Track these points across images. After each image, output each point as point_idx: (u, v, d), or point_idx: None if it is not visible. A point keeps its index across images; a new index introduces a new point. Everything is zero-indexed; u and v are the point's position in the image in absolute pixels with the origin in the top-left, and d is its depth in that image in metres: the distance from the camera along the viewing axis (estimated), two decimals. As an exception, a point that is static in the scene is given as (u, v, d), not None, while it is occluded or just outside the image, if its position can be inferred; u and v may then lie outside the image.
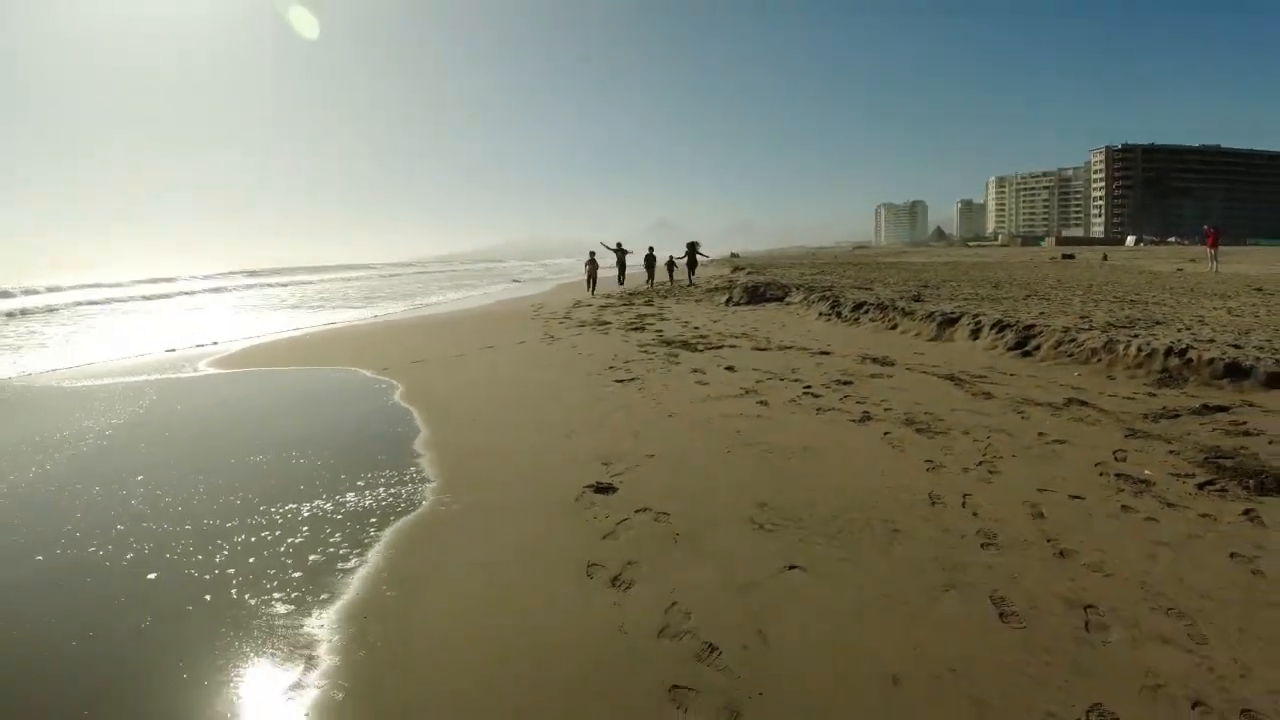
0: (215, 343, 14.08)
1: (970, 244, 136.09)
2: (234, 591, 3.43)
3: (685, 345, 10.24)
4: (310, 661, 2.84)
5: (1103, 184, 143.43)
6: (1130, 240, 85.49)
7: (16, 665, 2.96)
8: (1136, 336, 7.60)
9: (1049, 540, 3.52)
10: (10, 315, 22.45)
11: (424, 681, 2.68)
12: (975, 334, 8.97)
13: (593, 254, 23.53)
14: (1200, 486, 4.13)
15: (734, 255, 63.58)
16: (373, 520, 4.25)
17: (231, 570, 3.65)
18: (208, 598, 3.39)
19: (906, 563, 3.36)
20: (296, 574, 3.58)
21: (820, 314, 12.73)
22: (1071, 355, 7.52)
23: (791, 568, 3.34)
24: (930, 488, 4.24)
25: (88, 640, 3.10)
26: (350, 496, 4.66)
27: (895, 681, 2.50)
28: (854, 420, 5.82)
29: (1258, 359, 6.58)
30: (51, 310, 25.13)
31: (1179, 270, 24.87)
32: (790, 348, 9.65)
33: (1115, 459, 4.63)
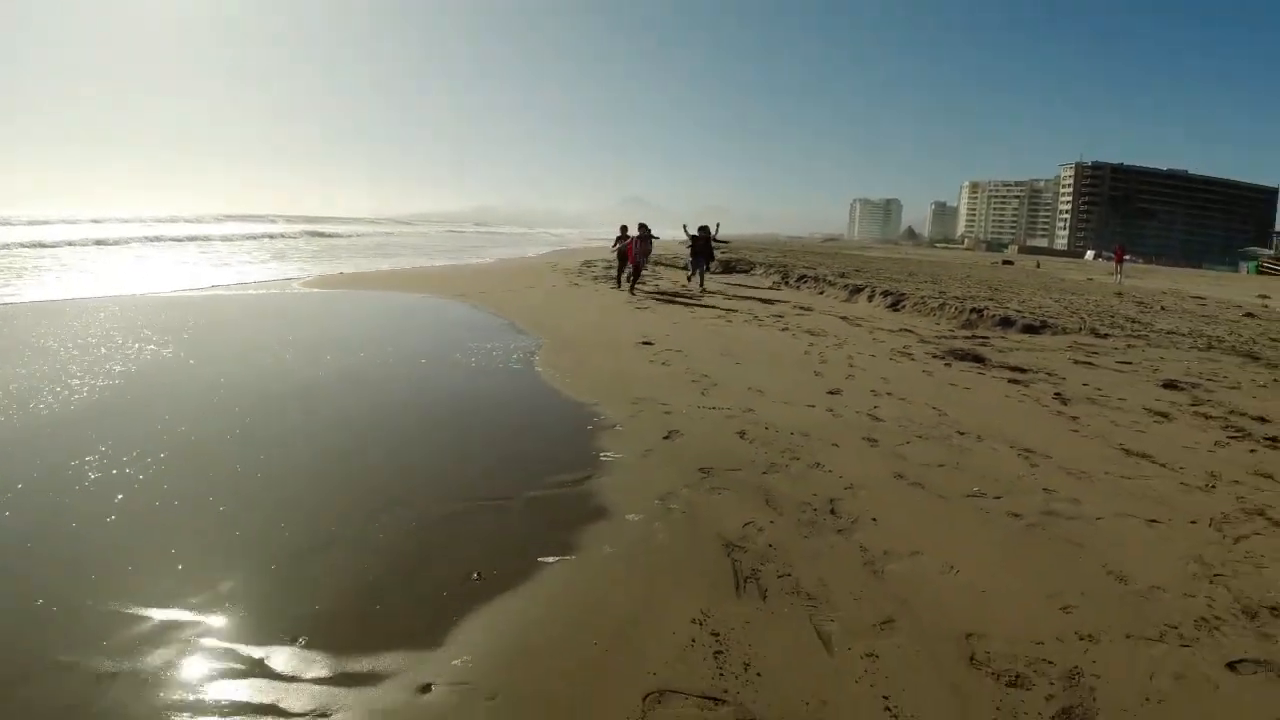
0: (319, 275, 18.00)
1: (937, 245, 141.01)
2: (473, 362, 7.67)
3: (676, 295, 14.55)
4: (535, 371, 7.08)
5: (1070, 198, 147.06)
6: (1089, 255, 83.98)
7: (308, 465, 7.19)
8: (962, 302, 12.11)
9: (849, 365, 7.92)
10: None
11: (583, 375, 6.93)
12: (870, 298, 13.47)
13: (626, 230, 16.06)
14: (934, 356, 8.58)
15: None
16: (526, 348, 8.46)
17: (471, 362, 7.89)
18: (472, 362, 7.62)
19: (783, 366, 7.75)
20: (510, 361, 7.79)
21: (774, 282, 17.23)
22: (921, 310, 12.02)
23: (736, 364, 7.71)
24: (805, 350, 8.67)
25: (384, 410, 7.35)
26: (506, 341, 8.84)
27: (770, 389, 6.87)
28: (778, 330, 10.21)
29: (1023, 317, 11.11)
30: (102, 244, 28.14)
31: (1089, 279, 29.66)
32: (748, 299, 14.04)
33: (903, 348, 9.08)
